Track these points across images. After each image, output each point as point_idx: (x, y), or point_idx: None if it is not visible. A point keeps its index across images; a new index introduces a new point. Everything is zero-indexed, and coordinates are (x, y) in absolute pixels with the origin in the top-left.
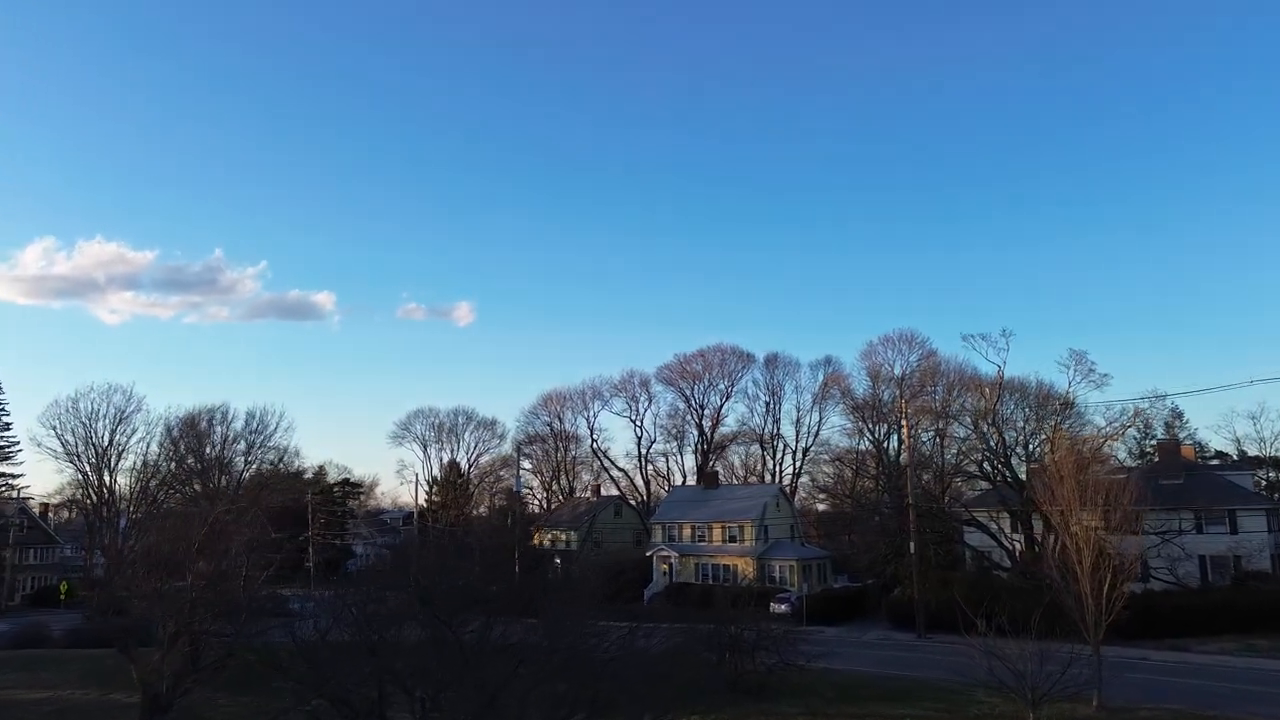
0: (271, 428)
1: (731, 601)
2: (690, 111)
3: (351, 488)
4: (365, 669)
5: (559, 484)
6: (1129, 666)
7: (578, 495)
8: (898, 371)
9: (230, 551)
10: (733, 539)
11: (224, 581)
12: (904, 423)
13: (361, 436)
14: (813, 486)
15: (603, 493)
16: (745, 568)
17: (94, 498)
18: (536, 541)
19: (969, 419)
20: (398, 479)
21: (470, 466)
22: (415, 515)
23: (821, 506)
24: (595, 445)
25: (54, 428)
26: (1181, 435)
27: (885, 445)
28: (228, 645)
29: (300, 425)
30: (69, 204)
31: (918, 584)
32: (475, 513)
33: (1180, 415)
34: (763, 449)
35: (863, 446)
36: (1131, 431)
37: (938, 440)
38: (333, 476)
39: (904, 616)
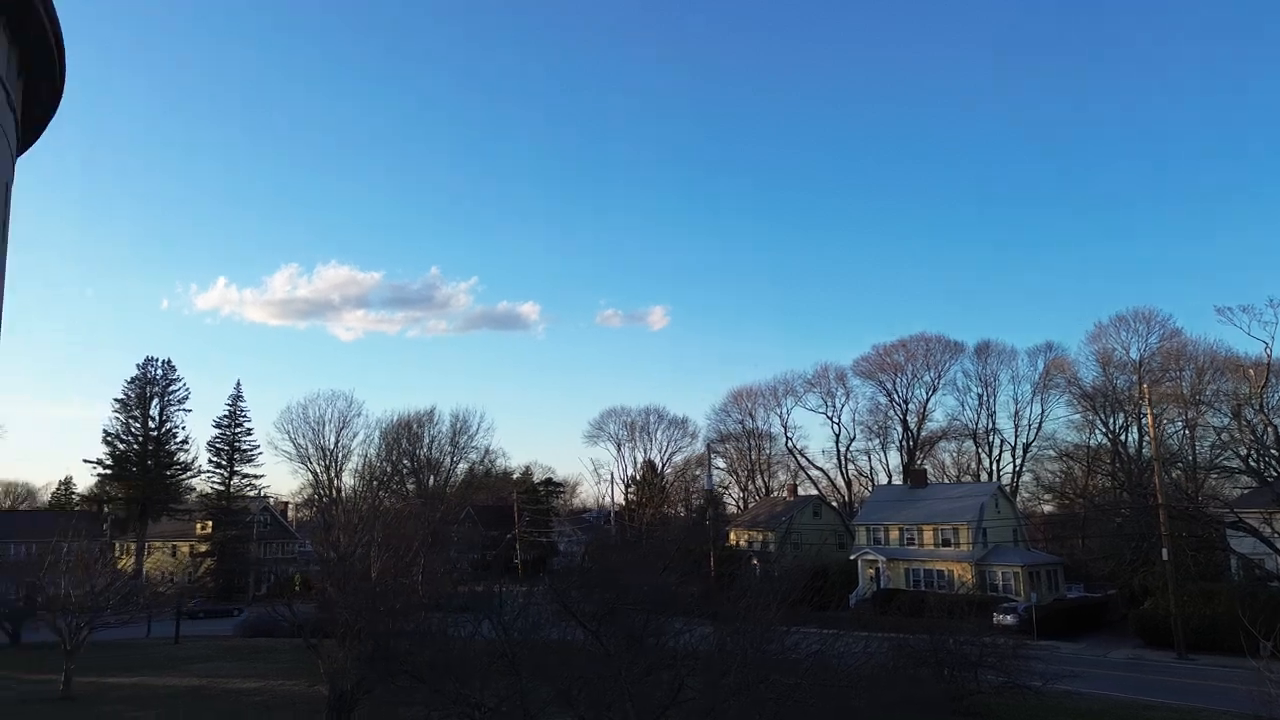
0: (474, 428)
1: (948, 610)
2: (884, 97)
3: (554, 487)
4: (514, 680)
5: (754, 483)
6: None
7: (774, 494)
8: (1134, 355)
9: (410, 547)
10: (946, 542)
11: (402, 576)
12: (1147, 412)
13: (561, 440)
14: (1037, 486)
15: (800, 492)
16: (962, 574)
17: (325, 496)
18: (733, 541)
19: (1227, 406)
20: (595, 478)
21: (664, 465)
22: (612, 515)
23: (1048, 507)
24: (790, 443)
25: (287, 432)
26: None
27: (1122, 438)
28: (409, 644)
29: (507, 430)
30: (309, 233)
31: (1174, 596)
32: (672, 512)
33: None
34: (976, 445)
35: (1094, 441)
36: None
37: (1186, 431)
38: (537, 477)
39: (1156, 633)
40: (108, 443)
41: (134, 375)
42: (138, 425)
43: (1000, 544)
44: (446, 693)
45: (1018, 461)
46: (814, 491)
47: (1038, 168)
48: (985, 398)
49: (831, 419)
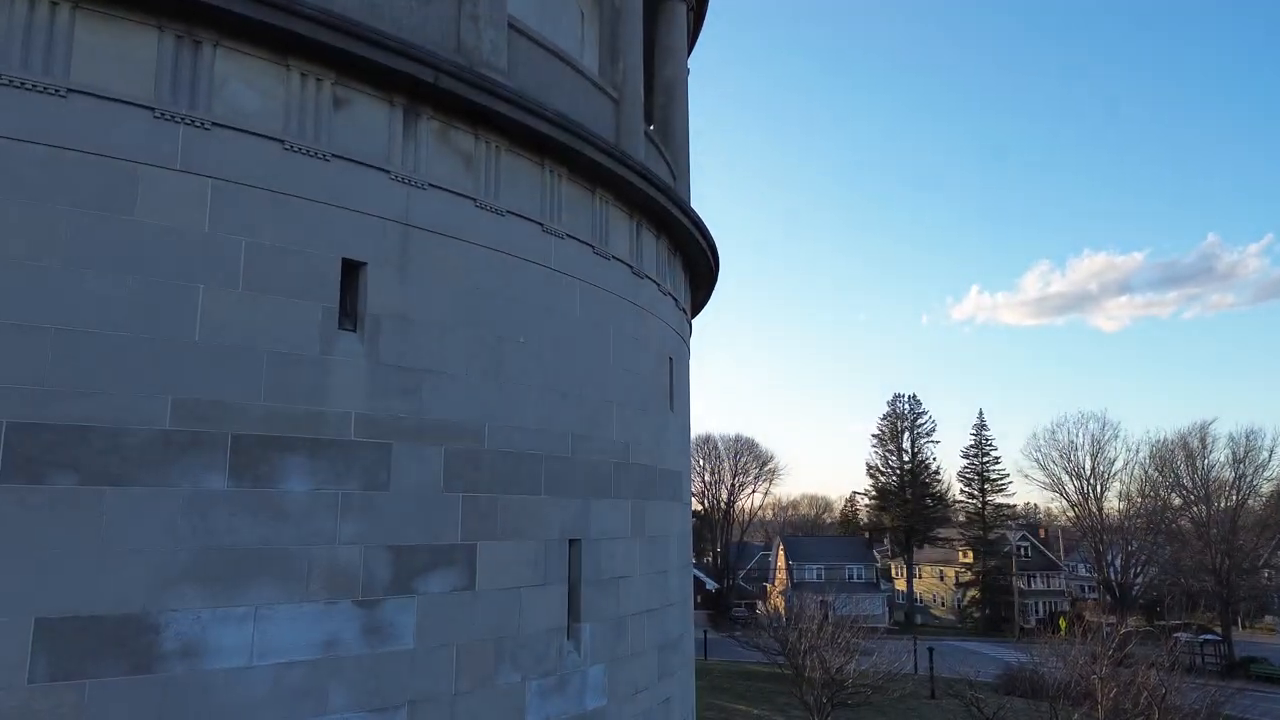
0: (1265, 454)
1: None
2: None
3: None
4: None
5: None
6: None
7: None
8: None
9: None
10: None
11: None
12: None
13: None
14: None
15: None
16: None
17: (1089, 523)
18: None
19: None
20: None
21: None
22: None
23: None
24: None
25: (1036, 459)
26: None
27: None
28: None
29: None
30: (1057, 227)
31: None
32: None
33: None
34: None
35: None
36: None
37: None
38: None
39: None
40: (870, 475)
41: (885, 412)
42: (894, 459)
43: None
44: None
45: None
46: None
47: None
48: None
49: None
